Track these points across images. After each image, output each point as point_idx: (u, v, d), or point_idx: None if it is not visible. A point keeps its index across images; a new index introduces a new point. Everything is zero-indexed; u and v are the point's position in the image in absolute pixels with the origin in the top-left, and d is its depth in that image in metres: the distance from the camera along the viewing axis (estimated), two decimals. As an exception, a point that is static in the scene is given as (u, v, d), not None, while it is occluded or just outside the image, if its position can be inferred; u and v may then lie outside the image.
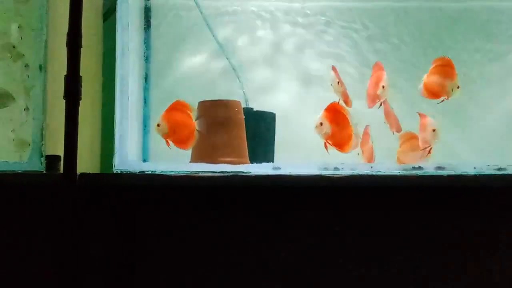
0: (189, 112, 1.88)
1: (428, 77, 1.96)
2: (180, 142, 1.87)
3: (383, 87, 1.95)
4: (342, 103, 1.97)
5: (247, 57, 2.39)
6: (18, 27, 1.94)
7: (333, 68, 2.02)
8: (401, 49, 2.35)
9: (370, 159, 2.01)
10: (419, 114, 1.98)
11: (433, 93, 1.96)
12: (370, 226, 1.84)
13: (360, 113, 1.98)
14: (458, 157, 2.24)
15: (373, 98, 2.00)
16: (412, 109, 2.05)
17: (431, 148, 1.94)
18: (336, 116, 1.88)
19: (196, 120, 1.89)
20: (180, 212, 1.85)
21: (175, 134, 1.86)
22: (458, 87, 1.93)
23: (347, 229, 1.84)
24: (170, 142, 1.87)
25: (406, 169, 1.79)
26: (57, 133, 1.72)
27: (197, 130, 1.88)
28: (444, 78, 1.93)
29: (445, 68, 1.94)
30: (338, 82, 1.99)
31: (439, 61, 1.96)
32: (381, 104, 1.99)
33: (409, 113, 2.06)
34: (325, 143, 1.88)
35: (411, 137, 2.01)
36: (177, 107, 1.88)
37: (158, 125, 1.86)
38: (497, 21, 2.36)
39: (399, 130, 2.05)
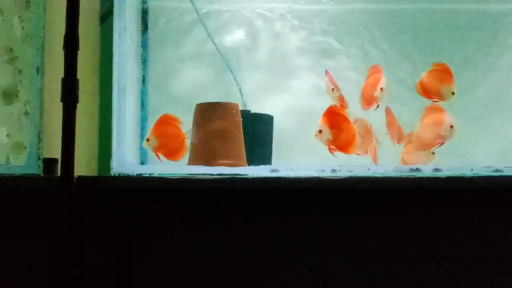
0: (177, 124, 1.90)
1: (425, 77, 1.97)
2: (170, 155, 1.91)
3: (381, 89, 1.95)
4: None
5: (244, 59, 2.38)
6: (21, 24, 1.94)
7: (327, 73, 2.02)
8: (400, 50, 2.34)
9: (375, 159, 1.99)
10: (434, 107, 1.93)
11: (427, 93, 1.96)
12: (368, 227, 1.84)
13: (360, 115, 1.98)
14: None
15: (369, 100, 1.99)
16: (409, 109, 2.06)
17: (441, 144, 1.92)
18: (335, 119, 1.87)
19: (188, 129, 1.92)
20: (178, 215, 1.85)
21: (165, 147, 1.89)
22: (453, 93, 1.92)
23: (345, 231, 1.84)
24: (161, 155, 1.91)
25: (404, 171, 1.79)
26: (55, 136, 1.71)
27: (190, 142, 1.90)
28: (441, 82, 1.93)
29: (443, 74, 1.93)
30: (333, 89, 1.98)
31: (438, 65, 1.95)
32: (378, 106, 1.98)
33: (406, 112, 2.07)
34: (329, 148, 1.86)
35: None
36: (165, 120, 1.92)
37: (148, 139, 1.90)
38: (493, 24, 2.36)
39: (401, 141, 2.02)
